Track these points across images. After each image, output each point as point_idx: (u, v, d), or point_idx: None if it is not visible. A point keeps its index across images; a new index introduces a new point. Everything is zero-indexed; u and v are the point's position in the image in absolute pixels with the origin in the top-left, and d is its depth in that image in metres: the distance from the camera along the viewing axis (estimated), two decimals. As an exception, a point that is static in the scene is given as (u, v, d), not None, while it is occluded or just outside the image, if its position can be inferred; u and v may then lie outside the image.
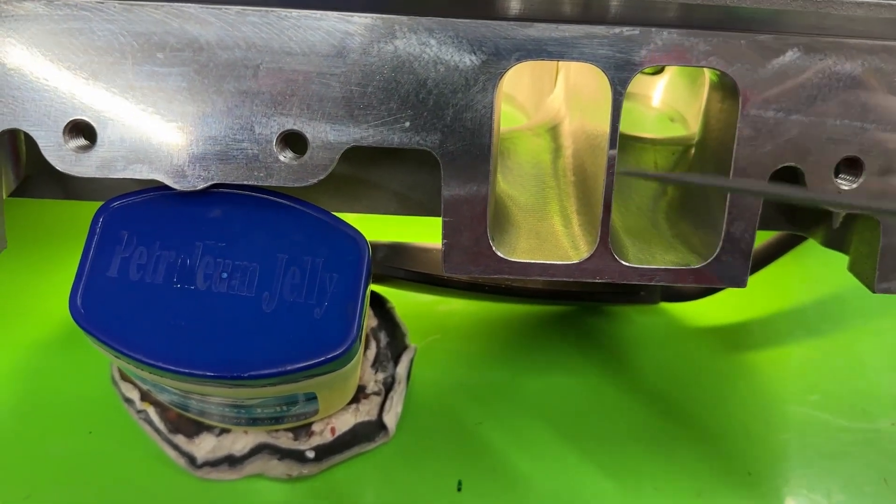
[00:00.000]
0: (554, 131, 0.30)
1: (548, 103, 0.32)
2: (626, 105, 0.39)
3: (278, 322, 0.23)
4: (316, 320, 0.23)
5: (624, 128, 0.36)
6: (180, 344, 0.23)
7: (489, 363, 0.36)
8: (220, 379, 0.23)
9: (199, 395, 0.27)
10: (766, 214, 0.30)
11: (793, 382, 0.36)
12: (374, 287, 0.35)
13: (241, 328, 0.23)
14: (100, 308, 0.23)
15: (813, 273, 0.41)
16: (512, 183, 0.29)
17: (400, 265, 0.31)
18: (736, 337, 0.38)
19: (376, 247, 0.32)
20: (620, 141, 0.31)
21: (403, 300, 0.36)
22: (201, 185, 0.24)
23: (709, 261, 0.24)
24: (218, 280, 0.24)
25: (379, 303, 0.34)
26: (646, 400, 0.35)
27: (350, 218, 0.29)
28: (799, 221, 0.29)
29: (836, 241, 0.28)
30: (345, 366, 0.25)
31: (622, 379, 0.36)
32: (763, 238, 0.37)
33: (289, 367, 0.23)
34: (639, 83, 0.37)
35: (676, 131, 0.34)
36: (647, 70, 0.36)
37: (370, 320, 0.33)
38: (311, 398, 0.27)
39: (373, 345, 0.33)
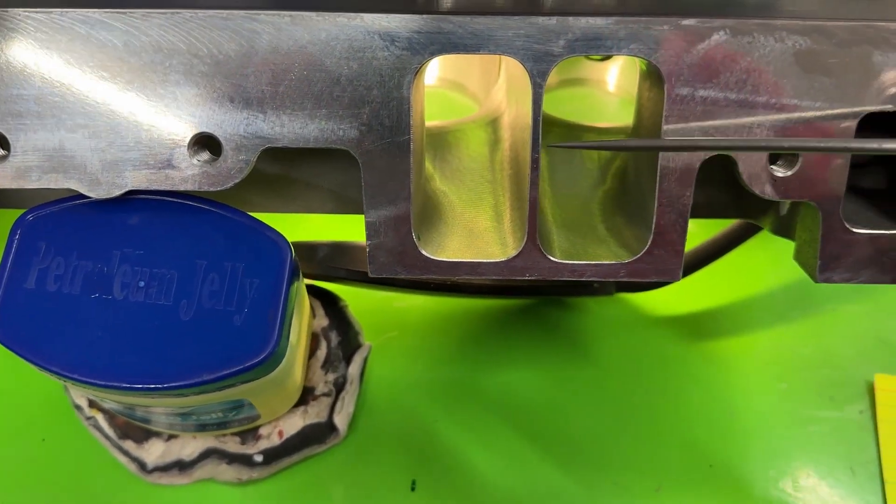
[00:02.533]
0: (495, 123, 0.30)
1: (492, 94, 0.32)
2: (583, 92, 0.38)
3: (197, 330, 0.23)
4: (236, 327, 0.23)
5: (583, 115, 0.35)
6: (97, 355, 0.23)
7: (447, 359, 0.36)
8: (137, 390, 0.22)
9: (137, 405, 0.26)
10: (716, 202, 0.29)
11: (759, 371, 0.36)
12: (326, 286, 0.34)
13: (158, 338, 0.23)
14: (17, 321, 0.23)
15: (781, 258, 0.40)
16: (449, 178, 0.28)
17: (341, 264, 0.31)
18: (701, 325, 0.37)
19: (317, 246, 0.31)
20: (566, 131, 0.30)
21: (359, 297, 0.35)
22: (116, 193, 0.23)
23: (639, 255, 0.24)
24: (135, 289, 0.23)
25: (331, 301, 0.34)
26: (605, 393, 0.35)
27: (318, 217, 0.29)
28: (748, 209, 0.28)
29: (784, 229, 0.27)
30: (270, 372, 0.24)
31: (581, 372, 0.35)
32: (720, 227, 0.36)
33: (206, 377, 0.22)
34: (591, 69, 0.36)
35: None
36: (594, 56, 0.35)
37: (321, 320, 0.33)
38: (250, 403, 0.27)
39: (323, 345, 0.32)
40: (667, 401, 0.34)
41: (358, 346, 0.34)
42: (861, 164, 0.28)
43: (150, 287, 0.23)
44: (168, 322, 0.23)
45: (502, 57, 0.32)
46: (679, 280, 0.24)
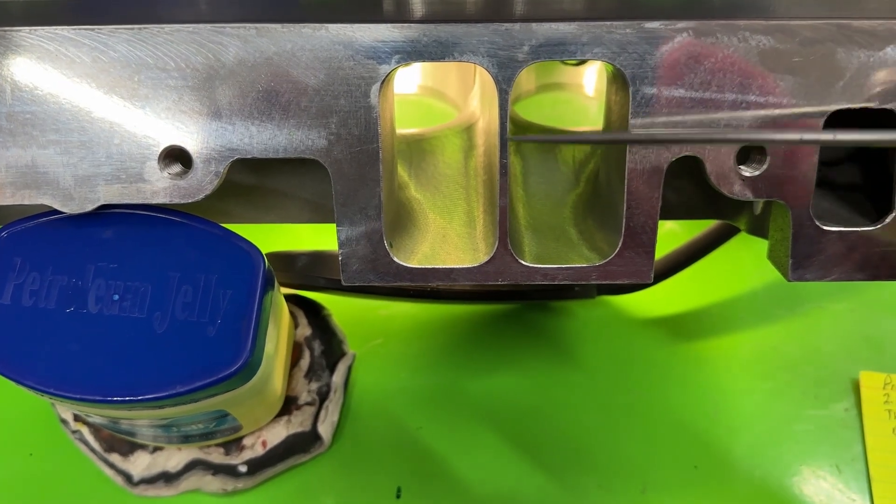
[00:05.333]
0: (470, 130, 0.30)
1: (468, 101, 0.32)
2: (562, 96, 0.38)
3: (170, 342, 0.23)
4: (209, 338, 0.23)
5: (562, 119, 0.35)
6: (72, 368, 0.23)
7: (432, 366, 0.36)
8: (112, 403, 0.23)
9: (118, 417, 0.27)
10: (692, 204, 0.29)
11: (744, 371, 0.36)
12: (309, 294, 0.34)
13: (133, 350, 0.23)
14: (-7, 336, 0.23)
15: (764, 258, 0.40)
16: (424, 185, 0.28)
17: (321, 273, 0.31)
18: (685, 326, 0.37)
19: (296, 256, 0.32)
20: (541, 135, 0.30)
21: (343, 306, 0.35)
22: (89, 207, 0.23)
23: (610, 257, 0.24)
24: (110, 302, 0.23)
25: (314, 311, 0.34)
26: (590, 395, 0.35)
27: (303, 228, 0.29)
28: (722, 209, 0.28)
29: (758, 228, 0.27)
30: (245, 382, 0.24)
31: (565, 375, 0.35)
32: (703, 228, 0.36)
33: (181, 388, 0.23)
34: (569, 73, 0.36)
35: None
36: (569, 61, 0.36)
37: (304, 329, 0.33)
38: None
39: (306, 354, 0.33)
40: (652, 402, 0.34)
41: (342, 354, 0.34)
42: (835, 161, 0.28)
43: (125, 300, 0.23)
44: (142, 334, 0.23)
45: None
46: (650, 281, 0.24)
